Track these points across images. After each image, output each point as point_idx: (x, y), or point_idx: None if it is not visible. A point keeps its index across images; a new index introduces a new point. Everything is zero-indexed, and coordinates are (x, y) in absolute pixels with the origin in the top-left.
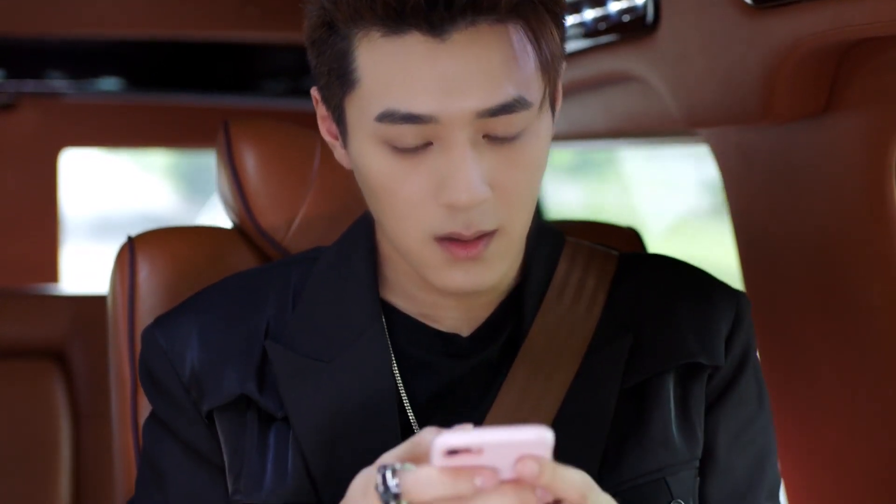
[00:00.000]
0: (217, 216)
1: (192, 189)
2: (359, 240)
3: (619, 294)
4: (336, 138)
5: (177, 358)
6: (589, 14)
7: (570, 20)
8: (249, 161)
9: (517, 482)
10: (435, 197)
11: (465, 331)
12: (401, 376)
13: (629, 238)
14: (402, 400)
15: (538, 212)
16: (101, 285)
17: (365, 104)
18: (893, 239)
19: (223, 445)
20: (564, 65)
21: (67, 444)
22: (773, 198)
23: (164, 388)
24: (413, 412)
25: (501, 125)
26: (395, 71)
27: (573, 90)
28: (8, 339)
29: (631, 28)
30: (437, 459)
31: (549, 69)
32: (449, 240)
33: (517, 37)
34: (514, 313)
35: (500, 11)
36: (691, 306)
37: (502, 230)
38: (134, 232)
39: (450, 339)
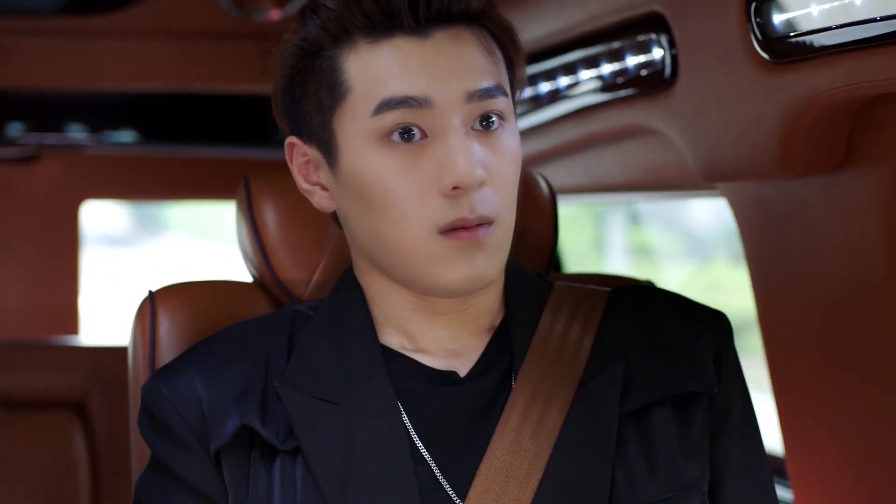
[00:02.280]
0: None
1: (143, 214)
2: (350, 287)
3: (609, 329)
4: (315, 185)
5: (182, 405)
6: (607, 68)
7: (589, 74)
8: (270, 215)
9: None
10: (437, 185)
11: (461, 369)
12: (404, 410)
13: None
14: (409, 432)
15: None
16: (121, 337)
17: (359, 106)
18: None
19: (228, 487)
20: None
21: (87, 496)
22: (791, 251)
23: (171, 433)
24: (420, 440)
25: (483, 108)
26: (386, 66)
27: (591, 143)
28: (29, 390)
29: (649, 82)
30: None
31: (513, 71)
32: (452, 229)
33: (486, 40)
34: (505, 348)
35: (470, 16)
36: (678, 333)
37: (498, 220)
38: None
39: (447, 374)
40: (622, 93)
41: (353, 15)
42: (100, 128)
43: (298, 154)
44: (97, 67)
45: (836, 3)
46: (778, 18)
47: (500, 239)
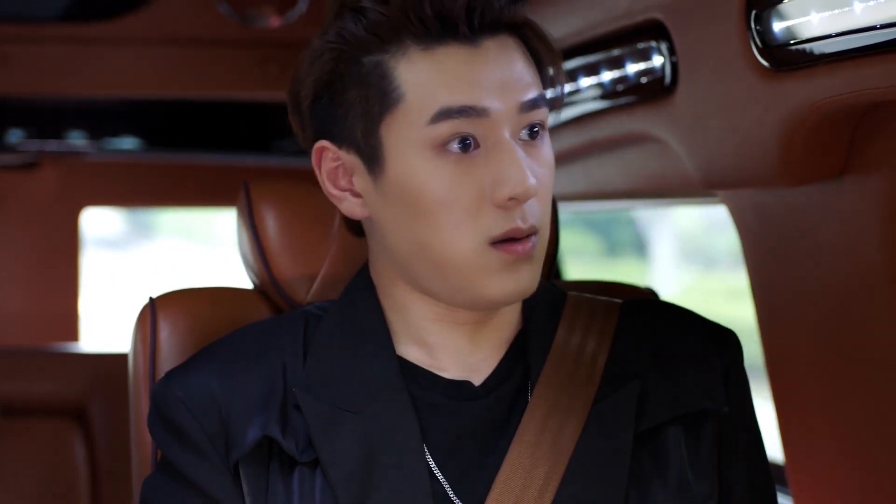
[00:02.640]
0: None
1: (137, 218)
2: (363, 294)
3: (622, 344)
4: (345, 191)
5: (197, 408)
6: (607, 76)
7: (589, 81)
8: (270, 222)
9: None
10: (491, 196)
11: (475, 379)
12: (421, 423)
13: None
14: (424, 447)
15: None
16: (121, 343)
17: (413, 114)
18: None
19: (247, 496)
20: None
21: (87, 503)
22: (791, 258)
23: (185, 437)
24: (433, 459)
25: (532, 118)
26: (441, 75)
27: (592, 150)
28: (28, 397)
29: (649, 90)
30: None
31: (546, 80)
32: (504, 241)
33: (526, 49)
34: (520, 360)
35: (515, 26)
36: (690, 351)
37: (542, 230)
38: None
39: (462, 385)
40: (622, 100)
41: (409, 21)
42: (100, 135)
43: (328, 159)
44: (97, 74)
45: (835, 11)
46: (778, 26)
47: (542, 249)
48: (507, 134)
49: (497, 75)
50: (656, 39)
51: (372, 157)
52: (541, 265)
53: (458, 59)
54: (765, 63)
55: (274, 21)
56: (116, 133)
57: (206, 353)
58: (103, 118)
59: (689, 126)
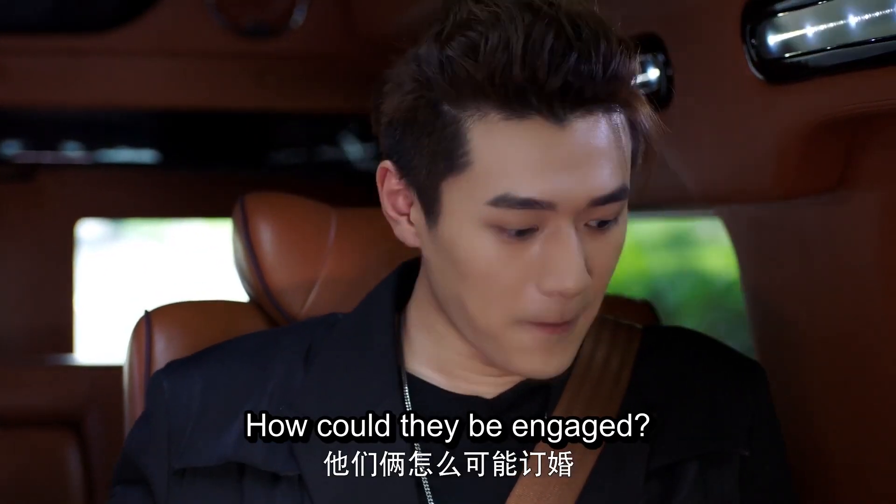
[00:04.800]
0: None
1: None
2: (379, 311)
3: (644, 372)
4: (402, 214)
5: (173, 408)
6: None
7: None
8: (266, 236)
9: None
10: (536, 283)
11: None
12: (421, 448)
13: (643, 311)
14: (417, 472)
15: None
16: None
17: (476, 187)
18: None
19: None
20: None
21: None
22: (787, 272)
23: (151, 432)
24: (428, 483)
25: (603, 213)
26: (514, 155)
27: None
28: (24, 409)
29: None
30: None
31: (639, 150)
32: (538, 321)
33: (621, 120)
34: (539, 389)
35: (616, 101)
36: (713, 387)
37: (588, 307)
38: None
39: (474, 403)
40: None
41: (493, 87)
42: (96, 146)
43: (391, 181)
44: (93, 86)
45: (831, 25)
46: (773, 40)
47: (585, 326)
48: (569, 224)
49: (573, 167)
50: (652, 52)
51: (429, 206)
52: (580, 341)
53: (537, 140)
54: (760, 76)
55: (270, 33)
56: (112, 145)
57: (204, 356)
58: (99, 130)
59: (683, 139)
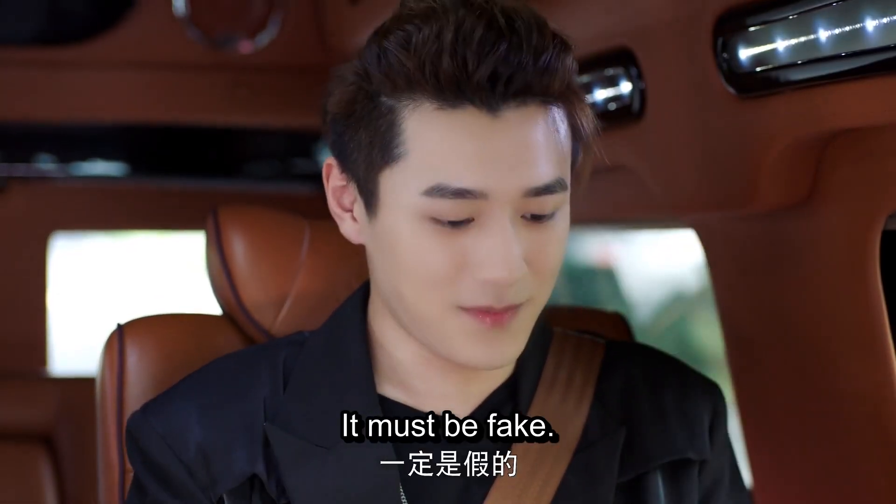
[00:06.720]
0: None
1: None
2: (350, 324)
3: (608, 386)
4: (346, 210)
5: (176, 442)
6: None
7: None
8: (238, 248)
9: None
10: (471, 271)
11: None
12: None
13: (615, 323)
14: (400, 490)
15: None
16: (88, 367)
17: (411, 177)
18: (877, 325)
19: None
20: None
21: None
22: (759, 283)
23: (163, 472)
24: (408, 501)
25: (541, 205)
26: (448, 145)
27: None
28: None
29: (617, 116)
30: None
31: (579, 150)
32: (476, 308)
33: (559, 117)
34: (506, 404)
35: (550, 94)
36: (676, 400)
37: (529, 301)
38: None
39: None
40: None
41: (424, 75)
42: (69, 159)
43: (336, 177)
44: (66, 98)
45: (801, 39)
46: (744, 53)
47: (529, 319)
48: (505, 215)
49: (507, 157)
50: (624, 66)
51: (368, 199)
52: (525, 335)
53: (470, 130)
54: (731, 90)
55: (244, 45)
56: (85, 157)
57: (184, 388)
58: (72, 142)
59: (656, 153)
